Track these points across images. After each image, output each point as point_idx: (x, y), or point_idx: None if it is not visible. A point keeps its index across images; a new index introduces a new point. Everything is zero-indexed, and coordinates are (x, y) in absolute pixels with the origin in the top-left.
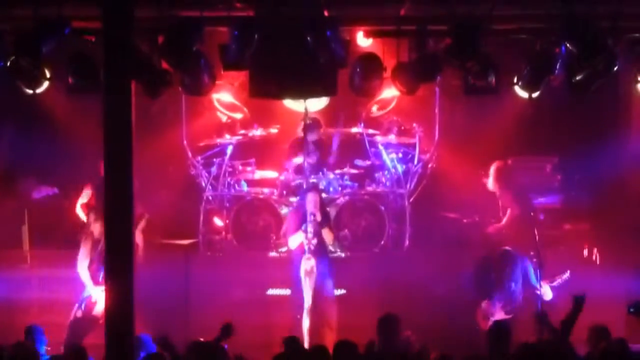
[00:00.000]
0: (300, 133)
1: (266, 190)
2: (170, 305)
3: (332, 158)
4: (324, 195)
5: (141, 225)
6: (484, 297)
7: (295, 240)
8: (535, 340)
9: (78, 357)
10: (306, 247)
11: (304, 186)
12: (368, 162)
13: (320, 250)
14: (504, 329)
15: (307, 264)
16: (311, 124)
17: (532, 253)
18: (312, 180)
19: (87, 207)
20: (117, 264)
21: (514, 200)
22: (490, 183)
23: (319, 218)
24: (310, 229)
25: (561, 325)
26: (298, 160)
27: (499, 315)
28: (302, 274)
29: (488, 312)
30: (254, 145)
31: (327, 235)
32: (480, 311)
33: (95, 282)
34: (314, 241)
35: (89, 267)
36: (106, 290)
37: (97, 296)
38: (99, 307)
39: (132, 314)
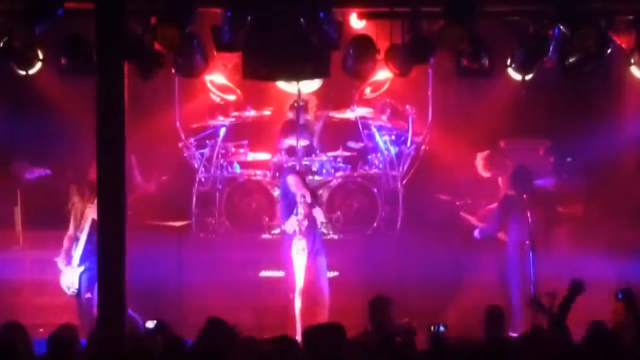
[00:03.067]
0: (288, 115)
1: (259, 172)
2: (162, 287)
3: (315, 141)
4: (317, 177)
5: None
6: None
7: (290, 225)
8: (531, 328)
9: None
10: (297, 229)
11: (286, 171)
12: (361, 144)
13: (311, 230)
14: (499, 313)
15: (299, 244)
16: (302, 106)
17: (525, 235)
18: (305, 162)
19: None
20: (109, 246)
21: (509, 183)
22: (481, 170)
23: (309, 199)
24: (300, 210)
25: (557, 310)
26: (290, 141)
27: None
28: (293, 254)
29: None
30: (247, 127)
31: (318, 214)
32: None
33: (67, 261)
34: (305, 222)
35: (71, 241)
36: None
37: (66, 273)
38: (63, 283)
39: (124, 294)
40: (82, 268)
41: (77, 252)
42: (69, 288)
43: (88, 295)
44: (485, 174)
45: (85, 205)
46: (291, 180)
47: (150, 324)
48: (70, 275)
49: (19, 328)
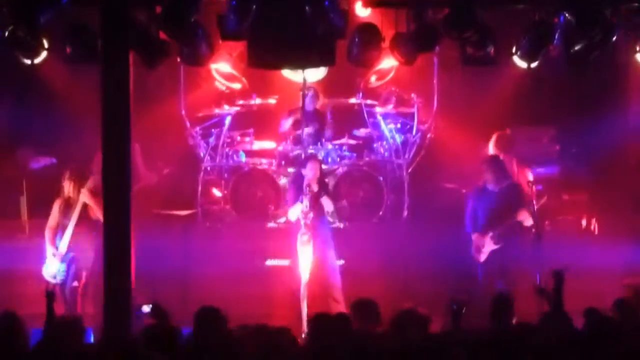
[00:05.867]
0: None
1: (264, 160)
2: (168, 277)
3: (328, 131)
4: (322, 166)
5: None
6: (474, 230)
7: (295, 212)
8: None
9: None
10: (302, 222)
11: (303, 156)
12: (366, 132)
13: (319, 221)
14: (506, 300)
15: (303, 238)
16: (309, 94)
17: (530, 223)
18: (311, 150)
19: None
20: (115, 237)
21: (517, 170)
22: (492, 149)
23: (315, 189)
24: (306, 202)
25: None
26: (287, 122)
27: (489, 246)
28: (298, 246)
29: (479, 244)
30: (253, 116)
31: (326, 204)
32: (473, 245)
33: (53, 251)
34: (310, 215)
35: (54, 230)
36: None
37: (50, 262)
38: (47, 272)
39: (130, 281)
40: (69, 256)
41: (64, 239)
42: (54, 277)
43: (75, 283)
44: (494, 152)
45: (77, 191)
46: (310, 167)
47: (147, 309)
48: (56, 264)
49: (15, 318)
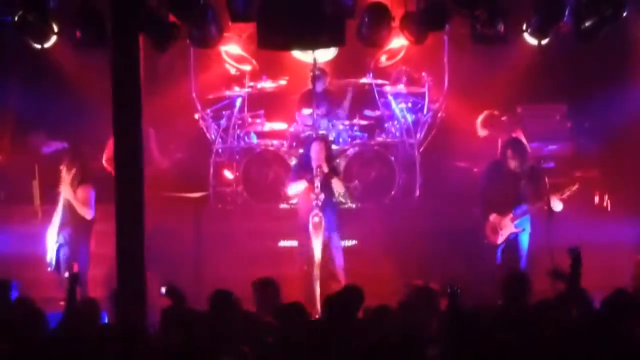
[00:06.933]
0: (310, 85)
1: (276, 142)
2: (180, 259)
3: (342, 113)
4: (334, 146)
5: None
6: (490, 210)
7: (295, 188)
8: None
9: (91, 310)
10: (313, 203)
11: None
12: (377, 113)
13: (327, 203)
14: (522, 279)
15: (314, 219)
16: (319, 75)
17: (543, 201)
18: (322, 131)
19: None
20: (127, 222)
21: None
22: (479, 130)
23: (325, 169)
24: (317, 183)
25: (569, 283)
26: (308, 111)
27: (509, 228)
28: (310, 228)
29: (496, 225)
30: (263, 97)
31: (337, 185)
32: (489, 225)
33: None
34: (322, 196)
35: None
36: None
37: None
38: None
39: (143, 266)
40: (57, 245)
41: (52, 228)
42: (50, 265)
43: (66, 274)
44: (482, 133)
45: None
46: (315, 147)
47: (163, 290)
48: (51, 251)
49: (31, 304)
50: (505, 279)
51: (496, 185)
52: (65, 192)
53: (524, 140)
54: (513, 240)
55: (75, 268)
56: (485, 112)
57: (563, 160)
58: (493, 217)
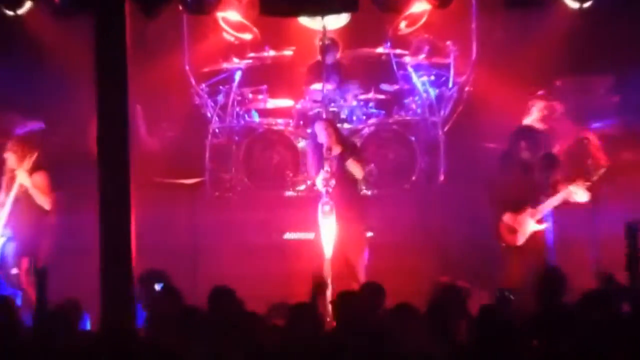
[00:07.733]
0: (319, 56)
1: (280, 120)
2: (175, 252)
3: (354, 86)
4: (346, 125)
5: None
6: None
7: (319, 181)
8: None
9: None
10: (323, 190)
11: (324, 115)
12: (396, 87)
13: (342, 189)
14: (558, 277)
15: (324, 208)
16: (329, 45)
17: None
18: (332, 108)
19: None
20: (112, 212)
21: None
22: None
23: (335, 152)
24: (326, 167)
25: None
26: (317, 86)
27: (530, 226)
28: (320, 217)
29: (512, 225)
30: (266, 70)
31: (353, 168)
32: (502, 227)
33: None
34: (332, 182)
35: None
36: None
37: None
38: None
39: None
40: (4, 238)
41: (1, 218)
42: None
43: (15, 270)
44: (538, 125)
45: (18, 166)
46: (317, 129)
47: (158, 287)
48: None
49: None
50: (540, 280)
51: (508, 179)
52: (21, 178)
53: (595, 141)
54: (539, 239)
55: (26, 263)
56: (543, 102)
57: (609, 140)
58: (507, 217)
